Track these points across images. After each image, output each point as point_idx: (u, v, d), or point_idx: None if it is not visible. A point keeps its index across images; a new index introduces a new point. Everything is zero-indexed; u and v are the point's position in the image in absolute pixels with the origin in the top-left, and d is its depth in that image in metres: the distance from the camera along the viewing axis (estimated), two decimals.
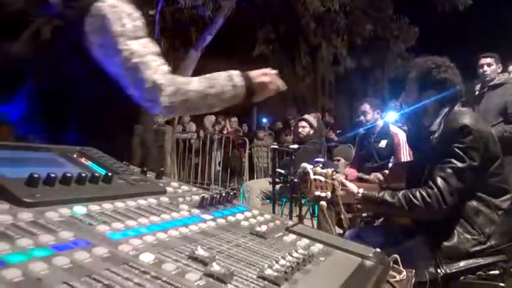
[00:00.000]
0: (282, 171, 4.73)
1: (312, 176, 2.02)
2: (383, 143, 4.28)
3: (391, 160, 4.25)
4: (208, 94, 1.45)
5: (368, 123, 4.34)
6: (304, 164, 2.11)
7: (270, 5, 9.73)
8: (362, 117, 4.37)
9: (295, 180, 4.22)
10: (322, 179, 2.01)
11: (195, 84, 1.44)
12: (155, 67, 1.38)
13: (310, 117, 5.63)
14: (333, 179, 2.01)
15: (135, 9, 1.43)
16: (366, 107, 4.35)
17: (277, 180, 4.82)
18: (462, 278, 1.93)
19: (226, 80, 1.48)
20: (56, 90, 1.46)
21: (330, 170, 2.04)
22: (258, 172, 8.92)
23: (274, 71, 1.61)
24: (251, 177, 8.37)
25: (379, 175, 3.75)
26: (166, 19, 9.13)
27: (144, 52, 1.38)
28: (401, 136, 4.20)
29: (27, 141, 1.49)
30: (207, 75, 1.49)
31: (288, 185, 4.59)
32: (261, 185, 5.27)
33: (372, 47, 11.50)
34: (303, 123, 5.42)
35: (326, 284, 0.68)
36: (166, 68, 1.41)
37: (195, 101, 1.43)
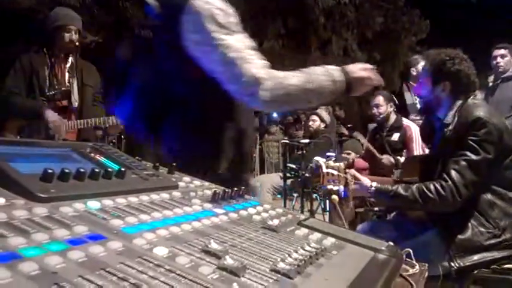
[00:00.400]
0: (293, 166, 4.73)
1: (324, 170, 2.01)
2: (395, 136, 4.25)
3: (404, 154, 4.22)
4: (307, 89, 1.40)
5: (381, 116, 4.30)
6: (317, 158, 2.11)
7: None
8: (375, 110, 4.33)
9: (307, 174, 4.22)
10: (335, 172, 2.00)
11: (294, 78, 1.39)
12: (253, 61, 1.36)
13: (322, 112, 5.60)
14: (345, 173, 2.01)
15: (229, 5, 1.42)
16: (380, 99, 4.31)
17: (288, 175, 4.82)
18: (476, 272, 1.92)
19: (325, 75, 1.43)
20: (156, 88, 1.49)
21: (342, 164, 2.03)
22: (268, 167, 8.92)
23: (371, 66, 1.57)
24: (261, 173, 8.38)
25: (391, 158, 3.76)
26: None
27: (241, 47, 1.37)
28: (414, 129, 4.16)
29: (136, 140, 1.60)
30: (303, 70, 1.44)
31: (299, 179, 4.59)
32: (272, 179, 5.28)
33: (383, 40, 11.41)
34: (314, 117, 5.41)
35: (339, 277, 0.67)
36: (263, 62, 1.39)
37: (295, 96, 1.39)
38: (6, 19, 7.98)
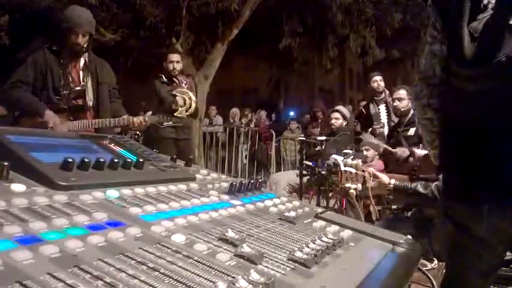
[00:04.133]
0: (310, 163, 4.70)
1: (342, 168, 1.99)
2: (412, 131, 4.18)
3: (421, 146, 4.15)
4: None
5: (403, 110, 4.25)
6: (334, 156, 2.09)
7: None
8: (397, 103, 4.27)
9: (323, 172, 4.19)
10: (353, 170, 1.98)
11: None
12: None
13: (344, 109, 5.55)
14: (363, 171, 1.99)
15: None
16: (402, 93, 4.25)
17: (304, 172, 4.80)
18: None
19: None
20: None
21: (360, 162, 2.01)
22: (285, 165, 8.89)
23: None
24: (278, 170, 8.36)
25: (406, 149, 3.70)
26: (193, 13, 9.18)
27: None
28: None
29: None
30: None
31: (316, 177, 4.56)
32: (288, 177, 5.25)
33: (402, 37, 11.24)
34: (336, 115, 5.35)
35: (356, 267, 0.67)
36: None
37: None
38: (25, 17, 8.11)
